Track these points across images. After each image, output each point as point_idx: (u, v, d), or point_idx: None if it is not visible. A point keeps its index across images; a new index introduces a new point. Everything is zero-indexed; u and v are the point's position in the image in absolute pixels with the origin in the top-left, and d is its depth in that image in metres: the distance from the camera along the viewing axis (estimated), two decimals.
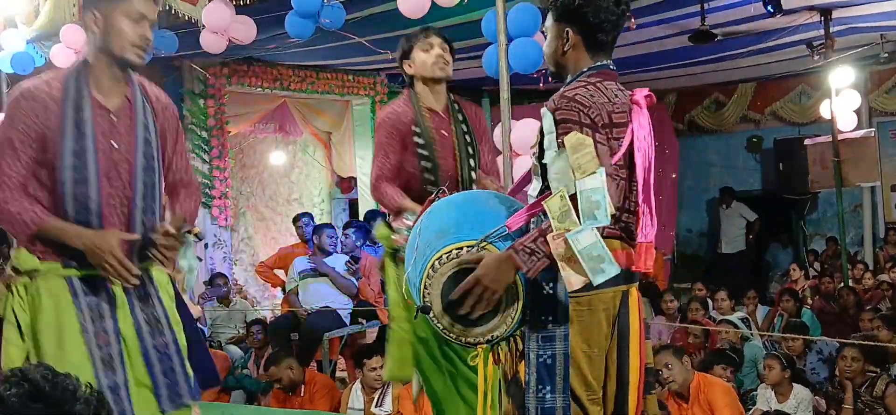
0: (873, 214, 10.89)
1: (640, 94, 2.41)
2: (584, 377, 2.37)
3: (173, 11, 5.76)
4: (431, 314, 2.35)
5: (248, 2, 5.85)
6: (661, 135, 11.70)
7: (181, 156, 2.87)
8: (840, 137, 8.65)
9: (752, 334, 6.59)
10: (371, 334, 6.95)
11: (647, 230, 2.39)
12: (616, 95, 2.39)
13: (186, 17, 5.76)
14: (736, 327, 6.46)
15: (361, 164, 9.64)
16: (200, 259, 8.12)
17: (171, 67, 7.78)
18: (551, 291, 2.34)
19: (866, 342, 5.27)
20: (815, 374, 5.89)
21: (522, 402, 2.41)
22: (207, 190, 8.56)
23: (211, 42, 6.02)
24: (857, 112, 9.35)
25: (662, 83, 11.21)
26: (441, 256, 2.34)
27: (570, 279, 2.19)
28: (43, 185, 2.57)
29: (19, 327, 2.58)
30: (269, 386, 5.93)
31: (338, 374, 6.97)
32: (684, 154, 12.22)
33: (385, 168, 3.39)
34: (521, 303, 2.32)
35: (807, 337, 6.11)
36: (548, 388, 2.34)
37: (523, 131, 4.57)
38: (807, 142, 9.91)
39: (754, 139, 11.90)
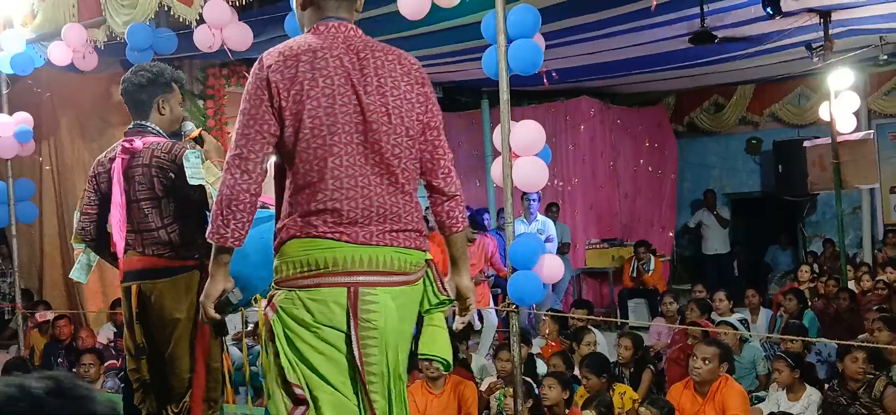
0: (872, 216, 10.90)
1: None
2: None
3: (172, 12, 5.75)
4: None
5: (246, 3, 5.83)
6: (660, 136, 11.73)
7: None
8: (839, 139, 8.65)
9: (750, 336, 6.59)
10: None
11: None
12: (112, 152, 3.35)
13: (183, 19, 5.73)
14: (735, 328, 6.45)
15: None
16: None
17: (172, 68, 7.76)
18: None
19: (867, 344, 5.25)
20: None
21: None
22: None
23: (203, 39, 5.90)
24: (857, 114, 9.34)
25: (662, 84, 11.22)
26: None
27: None
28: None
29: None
30: None
31: None
32: (683, 156, 12.23)
33: None
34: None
35: (805, 338, 6.10)
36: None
37: (523, 133, 4.56)
38: (806, 144, 9.92)
39: (753, 141, 11.91)
